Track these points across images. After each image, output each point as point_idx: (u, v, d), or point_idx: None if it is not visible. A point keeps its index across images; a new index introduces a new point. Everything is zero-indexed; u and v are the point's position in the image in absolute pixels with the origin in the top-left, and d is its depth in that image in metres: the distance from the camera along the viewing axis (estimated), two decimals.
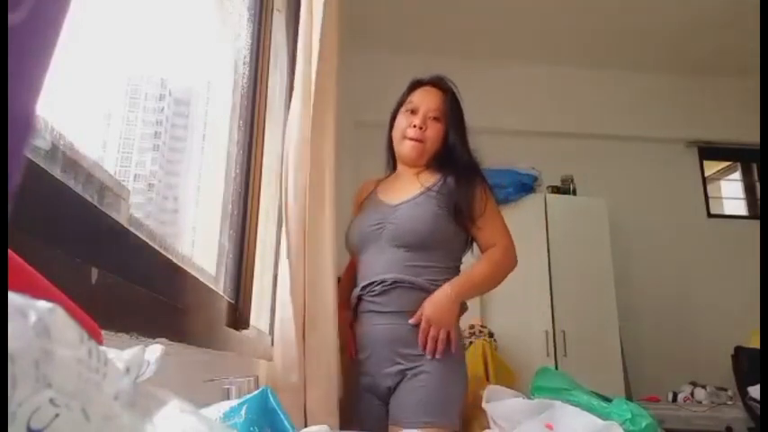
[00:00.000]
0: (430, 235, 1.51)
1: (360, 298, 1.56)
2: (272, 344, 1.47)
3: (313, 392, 1.38)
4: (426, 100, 1.63)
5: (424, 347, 1.46)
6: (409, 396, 1.45)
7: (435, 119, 1.62)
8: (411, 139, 1.60)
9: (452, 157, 1.61)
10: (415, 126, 1.60)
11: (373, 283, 1.52)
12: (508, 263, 1.61)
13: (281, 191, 1.57)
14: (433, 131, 1.61)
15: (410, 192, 1.59)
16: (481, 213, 1.56)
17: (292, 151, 1.54)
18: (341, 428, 1.37)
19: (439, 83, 1.68)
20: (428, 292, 1.49)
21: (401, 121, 1.65)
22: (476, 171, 1.63)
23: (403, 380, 1.47)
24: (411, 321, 1.48)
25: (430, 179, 1.60)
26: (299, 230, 1.48)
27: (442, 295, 1.48)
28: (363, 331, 1.54)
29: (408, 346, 1.48)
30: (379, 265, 1.52)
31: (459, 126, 1.65)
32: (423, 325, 1.46)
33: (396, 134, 1.66)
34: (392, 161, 1.74)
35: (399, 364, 1.48)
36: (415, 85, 1.70)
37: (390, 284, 1.50)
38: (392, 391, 1.49)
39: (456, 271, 1.58)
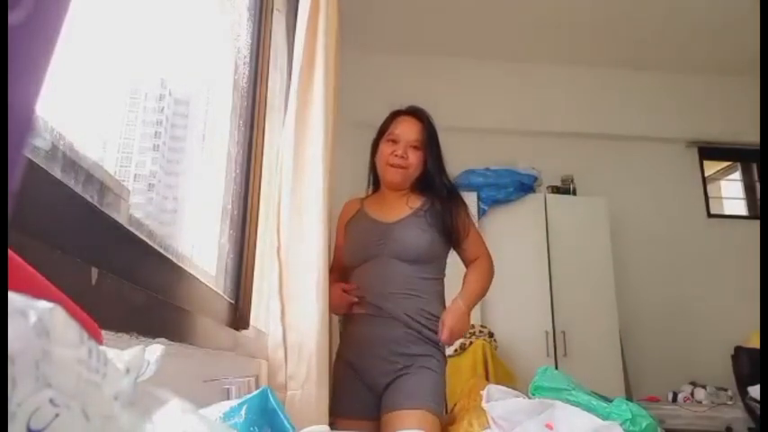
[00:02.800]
0: (427, 251, 1.70)
1: (360, 302, 1.71)
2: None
3: (293, 391, 1.39)
4: (407, 131, 1.77)
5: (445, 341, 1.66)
6: (406, 385, 1.59)
7: (415, 147, 1.76)
8: (395, 166, 1.75)
9: (432, 181, 1.78)
10: (397, 155, 1.74)
11: (378, 292, 1.66)
12: (492, 272, 1.84)
13: (276, 191, 1.57)
14: (415, 158, 1.76)
15: (401, 212, 1.75)
16: (466, 235, 1.77)
17: (288, 151, 1.54)
18: (330, 421, 1.48)
19: (416, 113, 1.83)
20: (421, 299, 1.68)
21: (384, 149, 1.79)
22: (457, 196, 1.81)
23: (400, 376, 1.61)
24: (441, 338, 1.63)
25: (416, 202, 1.77)
26: (290, 230, 1.49)
27: (457, 310, 1.68)
28: (361, 333, 1.68)
29: (404, 345, 1.63)
30: (382, 276, 1.68)
31: (437, 153, 1.81)
32: (446, 334, 1.62)
33: (380, 161, 1.80)
34: (374, 182, 1.90)
35: (396, 363, 1.62)
36: (395, 114, 1.84)
37: (390, 293, 1.66)
38: (388, 386, 1.62)
39: (443, 282, 1.78)
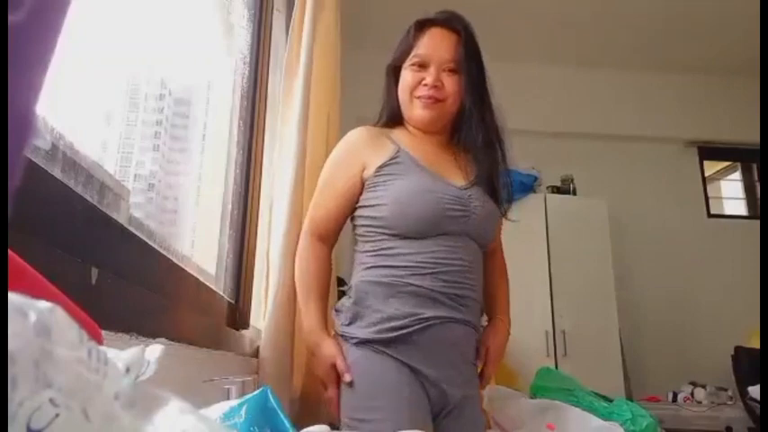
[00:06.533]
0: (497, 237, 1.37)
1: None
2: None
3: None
4: (438, 49, 1.28)
5: (480, 378, 1.32)
6: (469, 427, 1.23)
7: (451, 71, 1.28)
8: (426, 99, 1.27)
9: (473, 126, 1.30)
10: (428, 84, 1.27)
11: (455, 283, 1.21)
12: None
13: (273, 188, 1.57)
14: (452, 86, 1.27)
15: (457, 174, 1.29)
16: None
17: (288, 150, 1.55)
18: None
19: (451, 22, 1.33)
20: (480, 296, 1.30)
21: (408, 77, 1.29)
22: (505, 158, 1.37)
23: (464, 405, 1.22)
24: (485, 372, 1.30)
25: (470, 166, 1.30)
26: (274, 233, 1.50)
27: (505, 335, 1.36)
28: (432, 337, 1.19)
29: (468, 349, 1.26)
30: (460, 264, 1.22)
31: (480, 80, 1.31)
32: (491, 370, 1.31)
33: (403, 94, 1.31)
34: (393, 117, 1.37)
35: (463, 373, 1.24)
36: (421, 26, 1.34)
37: (472, 296, 1.24)
38: (449, 411, 1.21)
39: None
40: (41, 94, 0.26)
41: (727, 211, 4.57)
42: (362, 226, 1.27)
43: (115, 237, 0.71)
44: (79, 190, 0.64)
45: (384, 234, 1.23)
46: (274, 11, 1.79)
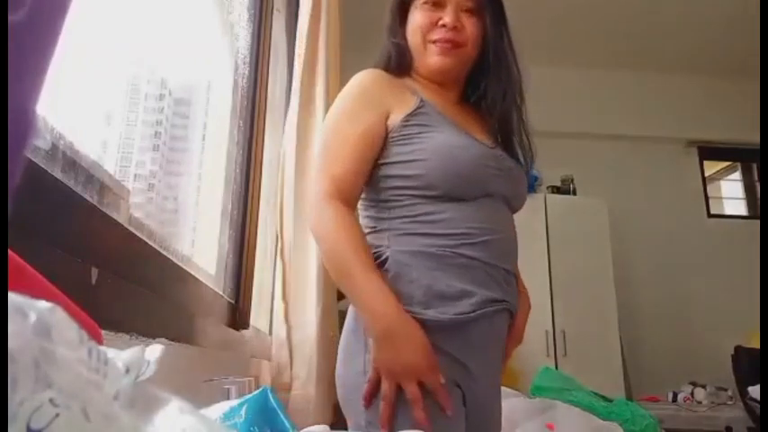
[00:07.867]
0: None
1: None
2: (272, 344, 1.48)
3: (296, 391, 1.40)
4: None
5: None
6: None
7: (469, 11, 1.10)
8: (444, 42, 1.07)
9: (508, 82, 1.12)
10: (444, 25, 1.07)
11: (503, 255, 1.04)
12: None
13: (278, 191, 1.58)
14: (472, 28, 1.09)
15: (482, 132, 1.10)
16: None
17: (290, 152, 1.55)
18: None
19: None
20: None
21: (420, 18, 1.09)
22: (528, 128, 1.16)
23: (487, 395, 1.05)
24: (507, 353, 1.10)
25: (493, 131, 1.12)
26: (293, 231, 1.50)
27: (529, 308, 1.15)
28: (481, 330, 0.99)
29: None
30: (504, 231, 1.06)
31: (502, 23, 1.16)
32: (511, 347, 1.11)
33: (414, 37, 1.10)
34: (399, 66, 1.14)
35: (498, 366, 1.08)
36: None
37: (513, 271, 1.07)
38: (480, 410, 1.01)
39: None
40: (41, 94, 0.26)
41: (728, 211, 4.57)
42: (390, 188, 1.03)
43: (115, 237, 0.71)
44: (79, 190, 0.64)
45: (420, 196, 1.01)
46: (274, 11, 1.79)
